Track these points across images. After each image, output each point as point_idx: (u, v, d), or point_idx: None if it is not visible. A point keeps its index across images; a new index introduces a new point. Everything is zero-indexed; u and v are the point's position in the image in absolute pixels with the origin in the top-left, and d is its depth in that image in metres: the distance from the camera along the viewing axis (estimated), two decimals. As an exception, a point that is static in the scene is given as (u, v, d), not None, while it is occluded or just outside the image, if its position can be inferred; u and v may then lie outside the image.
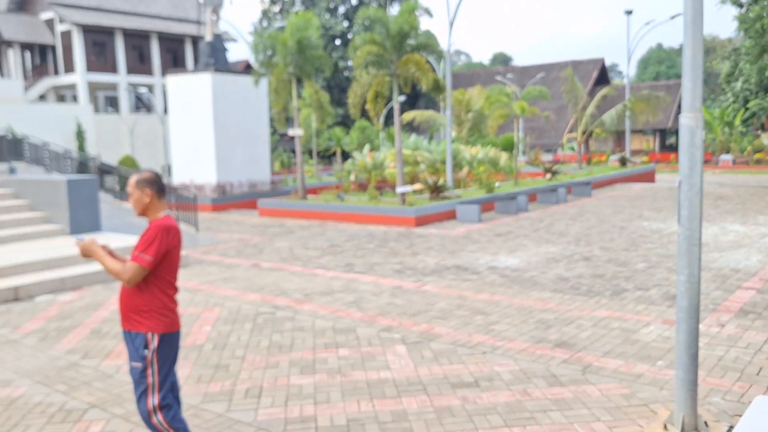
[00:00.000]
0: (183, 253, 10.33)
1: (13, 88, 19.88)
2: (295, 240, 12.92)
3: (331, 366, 5.51)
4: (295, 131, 17.99)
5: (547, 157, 39.07)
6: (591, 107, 27.00)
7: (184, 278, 9.10)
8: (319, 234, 13.68)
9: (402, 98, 19.13)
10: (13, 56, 39.57)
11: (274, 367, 5.52)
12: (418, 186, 17.62)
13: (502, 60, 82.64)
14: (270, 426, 4.38)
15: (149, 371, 3.48)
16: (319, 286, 8.65)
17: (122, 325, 3.57)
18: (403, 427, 4.32)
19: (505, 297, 7.71)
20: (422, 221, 14.48)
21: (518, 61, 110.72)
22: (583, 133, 27.61)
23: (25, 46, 39.95)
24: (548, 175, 21.39)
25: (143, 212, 3.56)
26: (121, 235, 11.36)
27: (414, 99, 48.53)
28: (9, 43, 38.30)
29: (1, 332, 6.77)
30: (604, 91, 27.41)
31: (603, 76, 49.71)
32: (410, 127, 36.33)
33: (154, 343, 3.48)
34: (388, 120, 40.29)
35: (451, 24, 19.88)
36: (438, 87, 15.81)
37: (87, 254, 3.45)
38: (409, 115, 30.01)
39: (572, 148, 40.86)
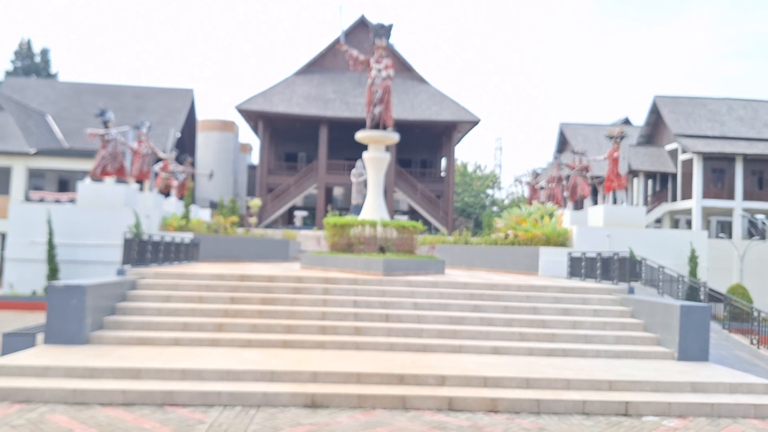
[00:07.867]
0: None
1: (636, 213, 22.08)
2: None
3: None
4: None
5: None
6: None
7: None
8: None
9: None
10: (636, 184, 44.26)
11: None
12: None
13: None
14: None
15: None
16: None
17: None
18: None
19: None
20: None
21: None
22: None
23: (649, 175, 44.14)
24: None
25: None
26: (728, 370, 10.98)
27: None
28: (635, 173, 42.94)
29: (614, 440, 7.56)
30: None
31: None
32: None
33: None
34: None
35: None
36: None
37: None
38: None
39: None
